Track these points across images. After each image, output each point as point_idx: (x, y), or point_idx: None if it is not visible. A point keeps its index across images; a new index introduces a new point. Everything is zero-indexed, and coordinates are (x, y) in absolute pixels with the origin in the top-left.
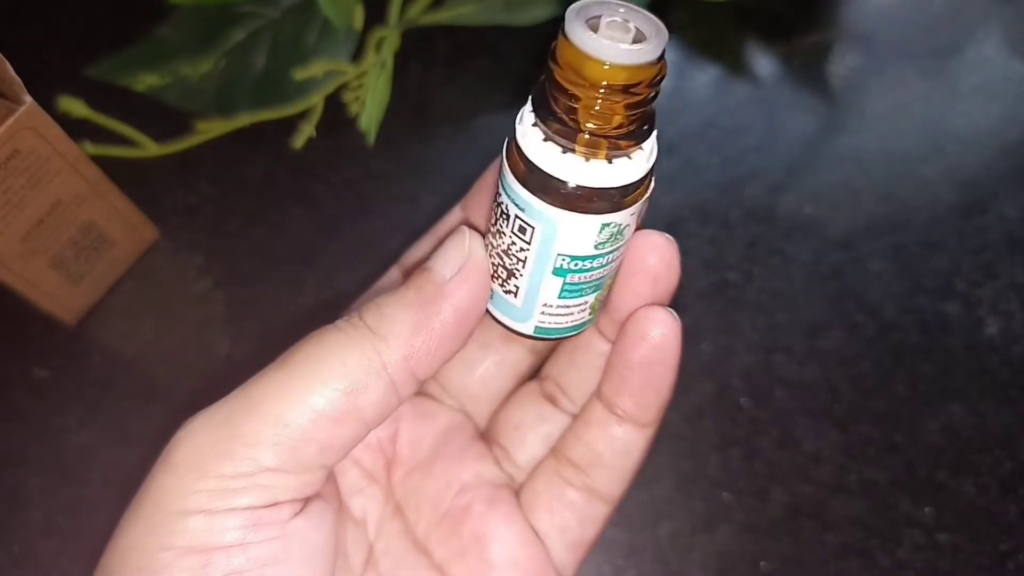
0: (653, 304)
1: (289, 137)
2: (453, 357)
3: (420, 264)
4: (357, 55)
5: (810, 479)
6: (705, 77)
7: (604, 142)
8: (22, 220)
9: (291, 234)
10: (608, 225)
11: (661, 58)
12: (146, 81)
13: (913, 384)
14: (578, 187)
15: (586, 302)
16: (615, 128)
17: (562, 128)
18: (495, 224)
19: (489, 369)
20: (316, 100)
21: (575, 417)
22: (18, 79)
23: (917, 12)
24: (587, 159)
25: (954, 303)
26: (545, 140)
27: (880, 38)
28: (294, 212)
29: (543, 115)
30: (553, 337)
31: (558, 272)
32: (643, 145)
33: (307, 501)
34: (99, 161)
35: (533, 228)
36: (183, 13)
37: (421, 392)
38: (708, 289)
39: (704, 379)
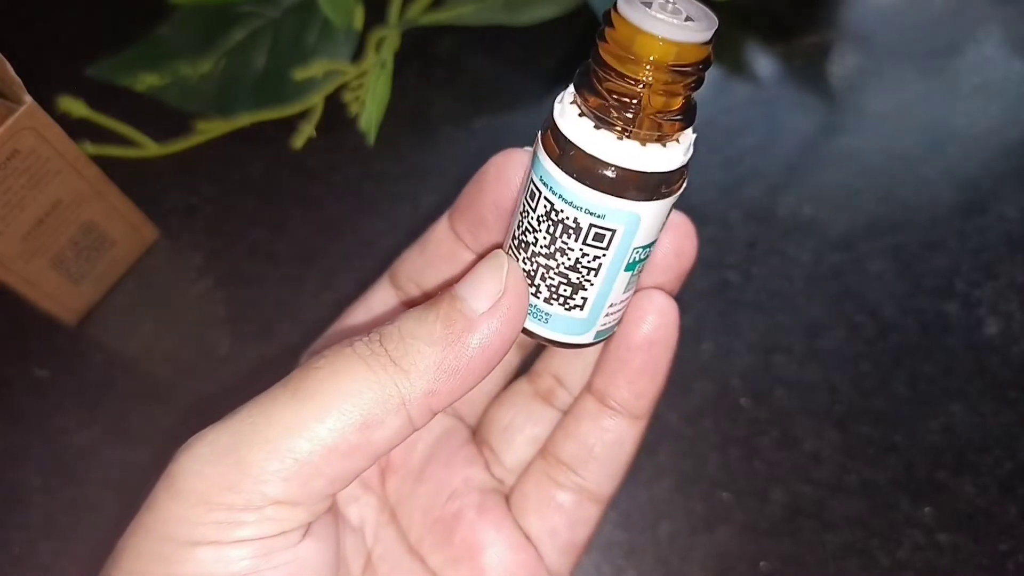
0: (652, 288)
1: (289, 137)
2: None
3: (442, 287)
4: (357, 55)
5: (810, 479)
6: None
7: (657, 128)
8: (22, 220)
9: (291, 234)
10: (670, 208)
11: (711, 40)
12: (146, 81)
13: (913, 384)
14: (658, 174)
15: (632, 292)
16: (668, 109)
17: (623, 117)
18: (551, 245)
19: None
20: (316, 100)
21: (565, 414)
22: (18, 79)
23: (917, 12)
24: (644, 144)
25: (954, 303)
26: (620, 139)
27: (880, 38)
28: (294, 212)
29: (603, 111)
30: (606, 338)
31: (630, 267)
32: (691, 127)
33: (313, 522)
34: (99, 161)
35: (613, 231)
36: (183, 13)
37: None
38: (708, 289)
39: (704, 379)
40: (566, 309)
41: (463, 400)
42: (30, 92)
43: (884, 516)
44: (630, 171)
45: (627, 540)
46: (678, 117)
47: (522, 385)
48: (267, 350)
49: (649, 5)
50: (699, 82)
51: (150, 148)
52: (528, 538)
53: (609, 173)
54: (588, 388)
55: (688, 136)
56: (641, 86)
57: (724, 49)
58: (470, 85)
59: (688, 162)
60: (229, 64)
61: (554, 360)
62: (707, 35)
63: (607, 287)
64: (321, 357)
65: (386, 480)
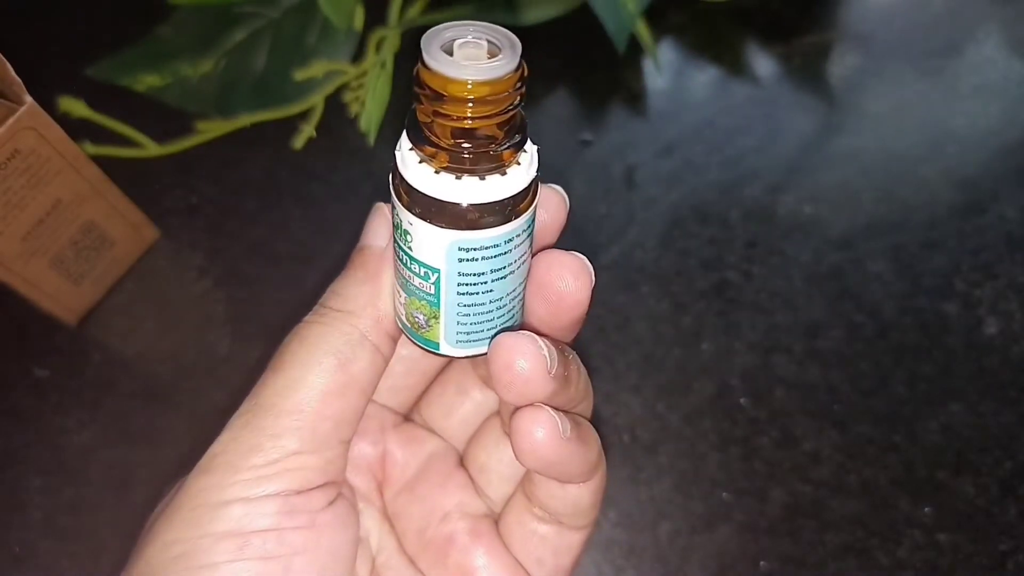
0: (526, 408)
1: (289, 137)
2: (437, 373)
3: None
4: (357, 56)
5: (809, 479)
6: (704, 77)
7: (465, 158)
8: (22, 220)
9: (291, 234)
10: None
11: (518, 68)
12: (146, 81)
13: (912, 384)
14: (448, 203)
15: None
16: (480, 144)
17: (433, 149)
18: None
19: (467, 414)
20: (316, 100)
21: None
22: (19, 79)
23: (917, 12)
24: (458, 177)
25: (953, 303)
26: (437, 172)
27: (879, 38)
28: (294, 212)
29: (416, 139)
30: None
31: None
32: (520, 159)
33: (336, 497)
34: (99, 161)
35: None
36: (183, 13)
37: (408, 419)
38: (708, 289)
39: (704, 379)
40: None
41: (451, 436)
42: (30, 92)
43: (884, 516)
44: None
45: (627, 540)
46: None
47: (494, 426)
48: (267, 350)
49: (452, 44)
50: (504, 115)
51: (150, 148)
52: (520, 564)
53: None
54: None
55: (518, 169)
56: (439, 119)
57: (724, 49)
58: None
59: (508, 199)
60: (229, 64)
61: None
62: (489, 74)
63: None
64: (288, 337)
65: (384, 492)
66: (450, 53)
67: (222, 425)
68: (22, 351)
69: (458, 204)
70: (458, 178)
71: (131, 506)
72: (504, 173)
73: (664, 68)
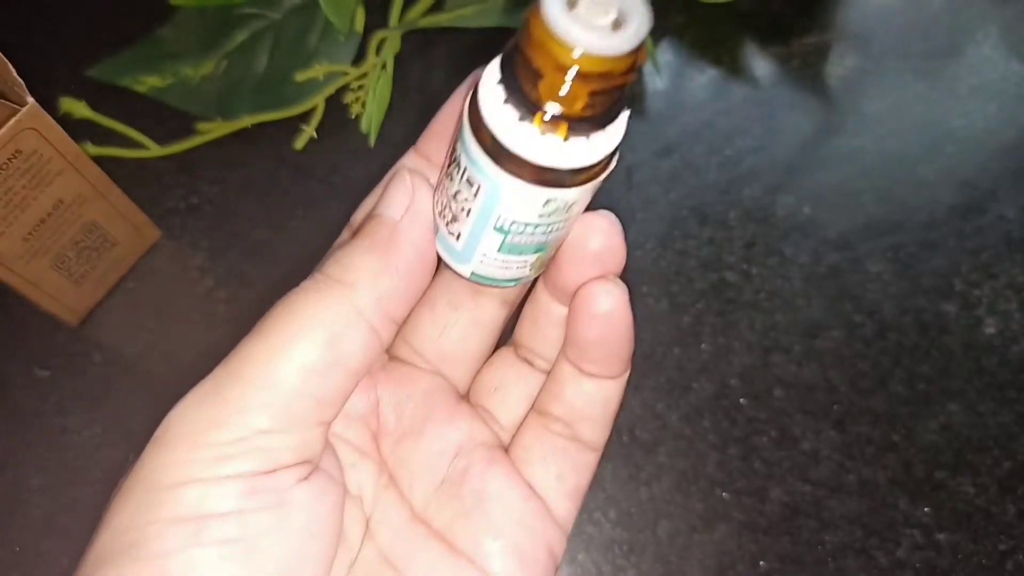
0: (597, 278)
1: (290, 138)
2: (423, 295)
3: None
4: (358, 57)
5: (809, 479)
6: (704, 78)
7: (564, 123)
8: (24, 220)
9: (292, 235)
10: (553, 200)
11: (638, 48)
12: (148, 82)
13: (912, 384)
14: (525, 159)
15: (526, 260)
16: (577, 111)
17: (522, 97)
18: (449, 167)
19: (463, 328)
20: (317, 102)
21: (548, 375)
22: (20, 80)
23: (915, 13)
24: (543, 133)
25: (953, 303)
26: (506, 102)
27: (878, 39)
28: (295, 213)
29: (508, 78)
30: (489, 284)
31: (499, 230)
32: (606, 128)
33: (311, 472)
34: (101, 162)
35: (479, 185)
36: (184, 14)
37: (394, 357)
38: (707, 289)
39: (703, 379)
40: (448, 232)
41: (446, 360)
42: (32, 93)
43: (883, 516)
44: (497, 138)
45: (627, 539)
46: (582, 118)
47: (507, 352)
48: None
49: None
50: (606, 92)
51: (151, 149)
52: (534, 490)
53: (483, 127)
54: (564, 354)
55: (602, 137)
56: (540, 79)
57: (723, 50)
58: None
59: (585, 168)
60: (231, 65)
61: (521, 332)
62: (629, 45)
63: (476, 234)
64: (278, 301)
65: (380, 444)
66: (573, 6)
67: None
68: (23, 351)
69: (545, 161)
70: (558, 135)
71: None
72: (596, 134)
73: (663, 69)
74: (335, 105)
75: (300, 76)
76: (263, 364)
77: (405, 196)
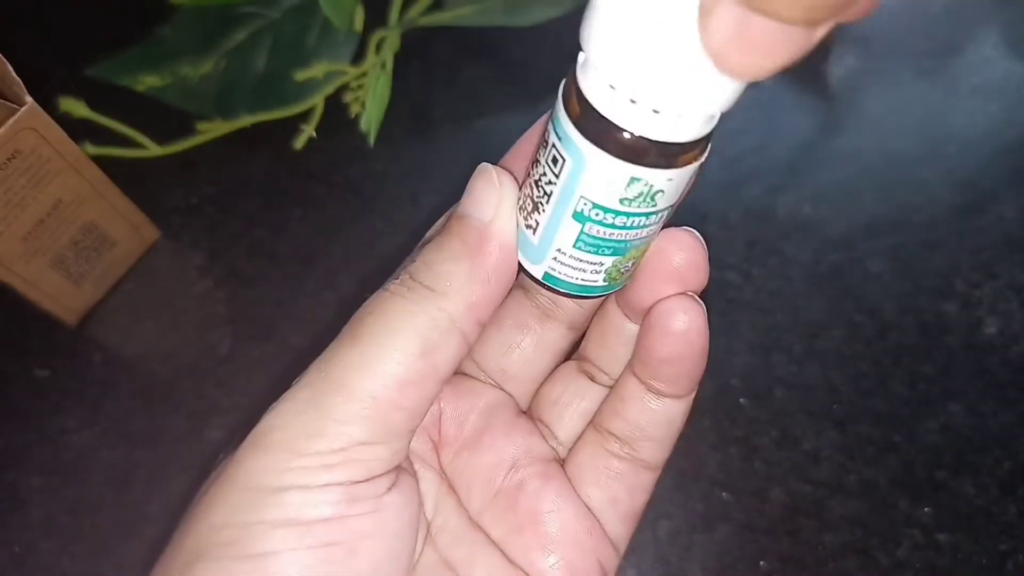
0: (676, 295)
1: (290, 138)
2: (507, 294)
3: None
4: (358, 56)
5: (809, 479)
6: None
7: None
8: (23, 220)
9: (291, 234)
10: (638, 180)
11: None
12: (147, 82)
13: (912, 384)
14: (613, 123)
15: (601, 263)
16: None
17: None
18: (537, 153)
19: (527, 350)
20: (316, 101)
21: (611, 390)
22: (19, 80)
23: (916, 13)
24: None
25: (953, 303)
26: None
27: (879, 38)
28: (294, 212)
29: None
30: (560, 289)
31: (578, 217)
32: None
33: (398, 476)
34: (100, 162)
35: (564, 160)
36: (184, 14)
37: (459, 371)
38: (707, 289)
39: (703, 379)
40: (526, 226)
41: (509, 379)
42: (31, 93)
43: (883, 516)
44: (589, 104)
45: None
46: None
47: (570, 365)
48: (267, 350)
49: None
50: None
51: (151, 148)
52: (589, 508)
53: (576, 95)
54: (631, 369)
55: (696, 117)
56: None
57: None
58: (470, 86)
59: (676, 145)
60: (230, 65)
61: (587, 347)
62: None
63: (555, 222)
64: (366, 305)
65: (440, 454)
66: None
67: (222, 426)
68: (22, 351)
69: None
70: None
71: (131, 506)
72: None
73: None
74: (334, 105)
75: (299, 75)
76: (361, 376)
77: (494, 194)
